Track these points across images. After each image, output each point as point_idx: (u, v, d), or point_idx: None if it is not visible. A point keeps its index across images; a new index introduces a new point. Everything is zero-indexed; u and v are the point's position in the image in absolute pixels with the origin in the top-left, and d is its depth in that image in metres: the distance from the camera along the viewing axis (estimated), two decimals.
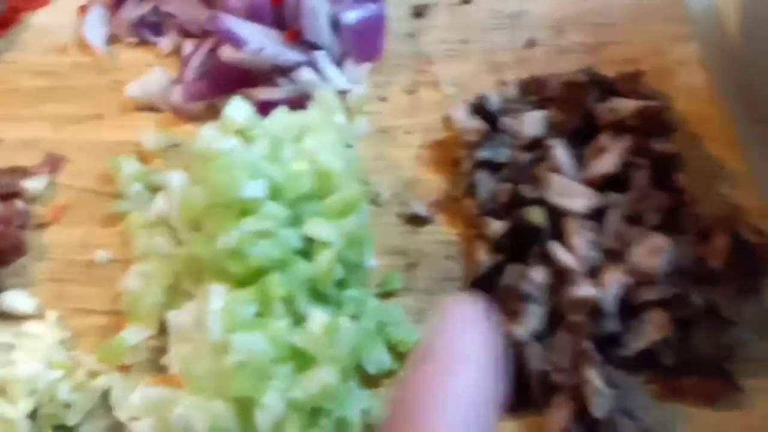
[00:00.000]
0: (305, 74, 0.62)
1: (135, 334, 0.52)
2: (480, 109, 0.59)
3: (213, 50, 0.65)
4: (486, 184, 0.56)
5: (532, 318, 0.49)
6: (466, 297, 0.35)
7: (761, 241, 0.49)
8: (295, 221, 0.52)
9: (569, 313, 0.49)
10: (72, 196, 0.62)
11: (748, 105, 0.62)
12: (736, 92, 0.63)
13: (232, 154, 0.51)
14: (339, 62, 0.65)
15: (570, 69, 0.61)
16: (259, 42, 0.61)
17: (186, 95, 0.64)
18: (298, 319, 0.49)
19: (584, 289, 0.48)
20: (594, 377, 0.47)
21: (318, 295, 0.51)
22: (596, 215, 0.52)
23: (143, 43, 0.70)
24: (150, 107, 0.66)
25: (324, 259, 0.49)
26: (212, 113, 0.63)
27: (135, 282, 0.53)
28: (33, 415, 0.49)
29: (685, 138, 0.58)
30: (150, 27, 0.70)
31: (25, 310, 0.55)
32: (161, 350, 0.53)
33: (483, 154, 0.56)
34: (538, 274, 0.50)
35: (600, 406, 0.47)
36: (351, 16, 0.65)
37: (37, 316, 0.55)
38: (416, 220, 0.59)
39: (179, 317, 0.50)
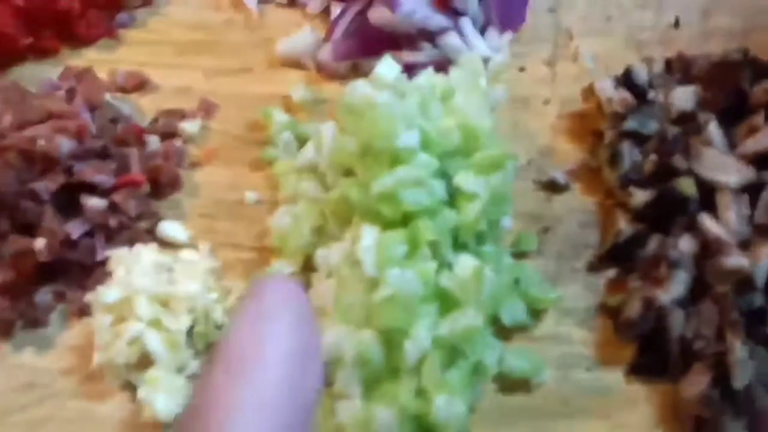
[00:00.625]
0: (450, 39, 0.64)
1: (283, 268, 0.55)
2: (627, 81, 0.59)
3: (361, 12, 0.67)
4: (630, 154, 0.56)
5: (678, 284, 0.49)
6: (274, 280, 0.31)
7: None
8: (442, 175, 0.53)
9: (716, 283, 0.49)
10: (223, 140, 0.65)
11: None
12: None
13: (388, 106, 0.53)
14: (482, 30, 0.66)
15: (715, 51, 0.61)
16: (412, 5, 0.63)
17: (333, 54, 0.67)
18: (441, 266, 0.51)
19: (736, 260, 0.48)
20: (739, 348, 0.47)
21: (459, 246, 0.53)
22: (748, 191, 0.51)
23: (292, 3, 0.74)
24: (296, 64, 0.69)
25: (472, 209, 0.51)
26: (355, 73, 0.67)
27: (284, 221, 0.57)
28: (189, 333, 0.53)
29: None
30: None
31: (180, 240, 0.59)
32: (304, 286, 0.56)
33: (630, 124, 0.56)
34: (685, 243, 0.50)
35: (741, 376, 0.47)
36: None
37: (191, 246, 0.59)
38: (552, 187, 0.60)
39: (329, 255, 0.53)
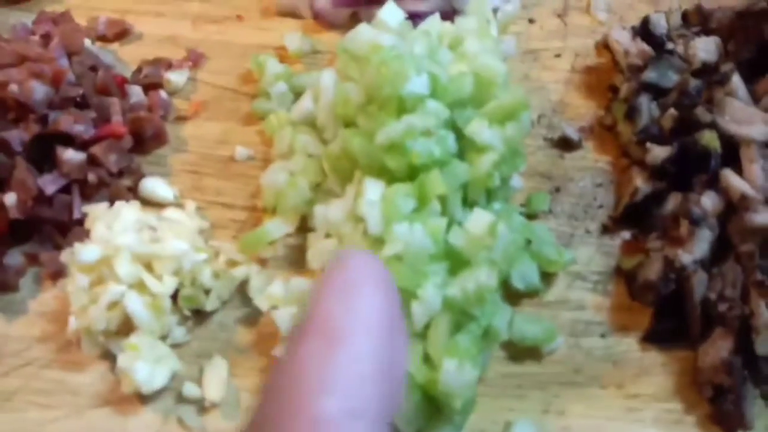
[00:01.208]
0: None
1: (277, 228, 0.52)
2: (645, 31, 0.56)
3: None
4: (648, 109, 0.53)
5: (702, 243, 0.46)
6: (359, 253, 0.30)
7: None
8: (452, 128, 0.50)
9: (741, 242, 0.46)
10: (212, 93, 0.61)
11: None
12: None
13: (395, 49, 0.49)
14: None
15: (732, 3, 0.58)
16: None
17: (332, 0, 0.62)
18: (450, 224, 0.47)
19: (763, 216, 0.45)
20: (764, 310, 0.44)
21: (468, 205, 0.49)
22: None
23: None
24: (292, 13, 0.65)
25: (485, 162, 0.47)
26: (355, 22, 0.62)
27: (278, 178, 0.53)
28: (174, 297, 0.49)
29: None
30: None
31: (166, 198, 0.55)
32: (298, 248, 0.53)
33: (649, 76, 0.53)
34: (708, 200, 0.47)
35: (766, 341, 0.44)
36: None
37: (177, 204, 0.55)
38: (564, 144, 0.57)
39: (328, 212, 0.49)
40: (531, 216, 0.53)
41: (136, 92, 0.59)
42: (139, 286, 0.48)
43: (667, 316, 0.48)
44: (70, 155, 0.52)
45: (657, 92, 0.53)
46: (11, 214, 0.50)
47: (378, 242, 0.45)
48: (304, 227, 0.53)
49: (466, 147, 0.49)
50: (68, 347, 0.49)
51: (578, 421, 0.46)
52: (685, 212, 0.47)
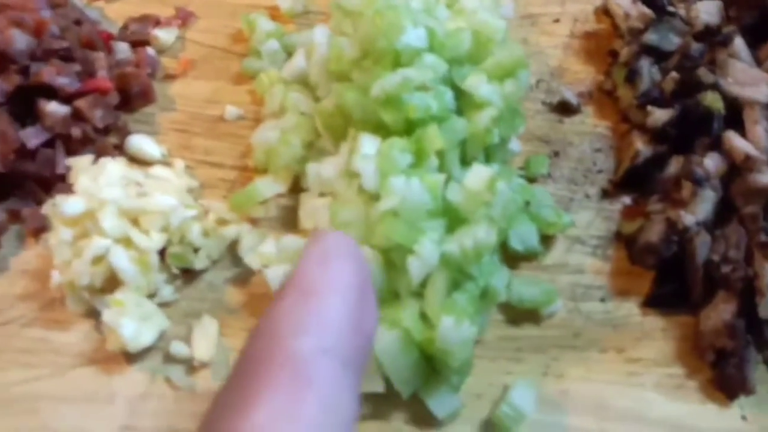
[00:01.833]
0: None
1: (268, 186, 0.50)
2: None
3: None
4: (649, 72, 0.52)
5: (705, 204, 0.45)
6: (335, 232, 0.35)
7: None
8: (450, 84, 0.48)
9: (744, 203, 0.45)
10: (201, 51, 0.59)
11: None
12: None
13: (391, 0, 0.47)
14: None
15: None
16: None
17: None
18: (449, 180, 0.46)
19: (767, 177, 0.44)
20: None
21: (465, 163, 0.48)
22: None
23: None
24: None
25: (483, 118, 0.46)
26: None
27: (269, 136, 0.51)
28: (162, 255, 0.47)
29: None
30: None
31: (152, 155, 0.53)
32: (291, 209, 0.51)
33: (650, 38, 0.52)
34: (711, 161, 0.46)
35: None
36: None
37: (164, 162, 0.53)
38: (563, 109, 0.55)
39: (321, 169, 0.47)
40: (530, 180, 0.52)
41: (122, 49, 0.57)
42: (125, 241, 0.46)
43: (668, 279, 0.47)
44: (54, 108, 0.50)
45: (658, 55, 0.52)
46: None
47: (373, 198, 0.43)
48: (296, 188, 0.51)
49: (464, 105, 0.48)
50: (51, 305, 0.47)
51: (577, 385, 0.45)
52: (688, 173, 0.46)
